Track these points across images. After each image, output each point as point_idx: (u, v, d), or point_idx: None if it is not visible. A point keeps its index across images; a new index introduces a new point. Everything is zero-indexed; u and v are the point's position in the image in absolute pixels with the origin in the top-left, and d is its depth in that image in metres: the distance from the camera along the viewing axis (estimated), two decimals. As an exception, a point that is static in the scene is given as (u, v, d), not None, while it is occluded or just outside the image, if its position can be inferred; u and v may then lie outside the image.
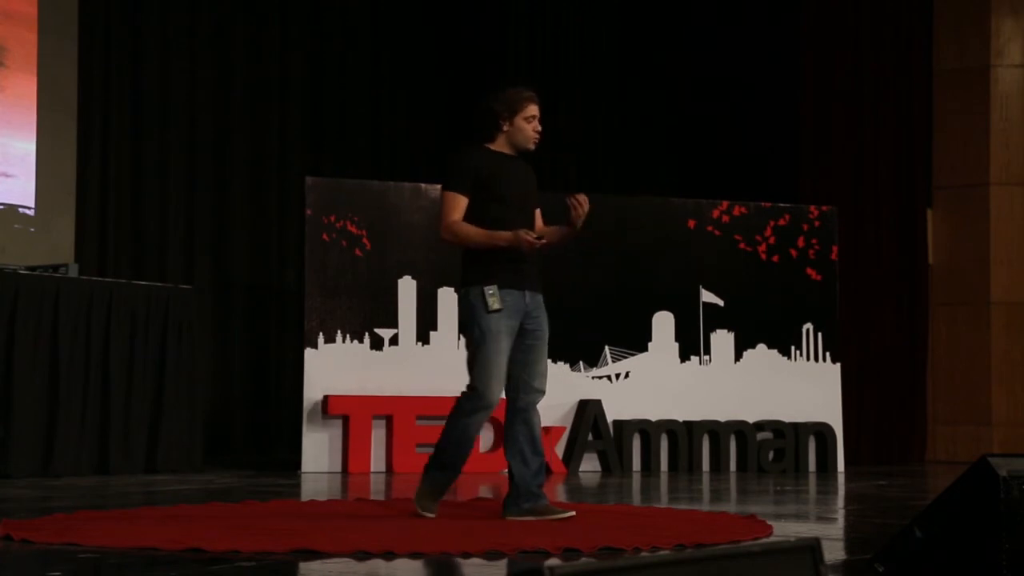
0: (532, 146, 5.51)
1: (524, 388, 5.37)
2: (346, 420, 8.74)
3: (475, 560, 4.26)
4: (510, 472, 5.38)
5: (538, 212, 5.65)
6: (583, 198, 5.37)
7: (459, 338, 8.93)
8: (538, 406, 5.50)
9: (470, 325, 5.31)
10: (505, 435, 5.43)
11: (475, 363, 5.30)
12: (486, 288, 5.26)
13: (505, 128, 5.46)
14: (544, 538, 4.62)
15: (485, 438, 8.70)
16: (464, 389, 5.35)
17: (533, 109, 5.47)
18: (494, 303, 5.23)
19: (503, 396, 5.38)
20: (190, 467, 8.52)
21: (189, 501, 6.22)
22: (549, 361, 9.16)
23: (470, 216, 5.37)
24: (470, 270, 5.36)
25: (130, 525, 5.00)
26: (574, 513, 5.39)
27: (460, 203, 5.36)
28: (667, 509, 6.38)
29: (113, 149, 9.66)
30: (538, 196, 5.66)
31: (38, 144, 9.07)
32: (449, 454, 5.37)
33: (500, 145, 5.50)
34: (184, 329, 8.60)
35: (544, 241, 5.24)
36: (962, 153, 11.31)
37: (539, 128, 5.50)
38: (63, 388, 7.89)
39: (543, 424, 9.01)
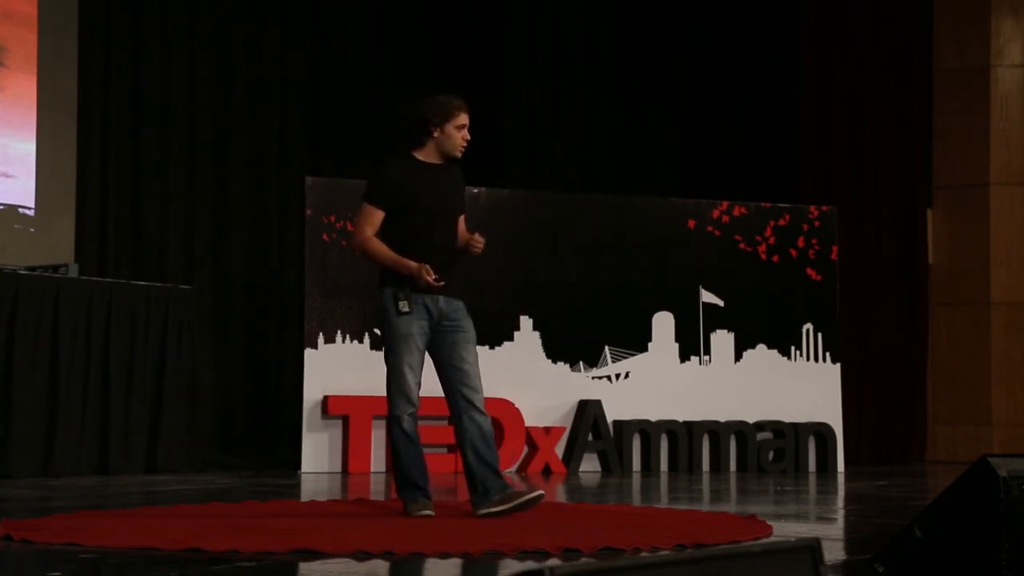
0: (459, 154, 5.59)
1: (461, 388, 5.48)
2: (346, 420, 8.75)
3: (475, 560, 4.26)
4: (468, 469, 5.46)
5: (462, 219, 5.72)
6: (479, 241, 5.55)
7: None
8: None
9: (382, 325, 5.52)
10: (456, 436, 5.54)
11: (388, 361, 5.52)
12: (397, 291, 5.41)
13: (435, 135, 5.52)
14: (544, 538, 4.62)
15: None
16: (385, 393, 5.58)
17: (464, 118, 5.54)
18: (403, 306, 5.40)
19: (421, 393, 5.59)
20: (190, 467, 8.52)
21: (189, 501, 6.22)
22: (549, 361, 9.36)
23: (388, 228, 5.52)
24: (386, 272, 5.50)
25: (130, 525, 5.00)
26: (543, 491, 5.47)
27: (375, 217, 5.51)
28: (667, 509, 6.38)
29: (113, 149, 9.65)
30: (463, 202, 5.76)
31: (38, 144, 9.07)
32: (407, 462, 5.49)
33: (428, 153, 5.56)
34: (184, 329, 8.60)
35: (442, 283, 5.36)
36: (962, 153, 11.31)
37: (468, 137, 5.58)
38: (63, 388, 7.89)
39: (544, 424, 9.12)
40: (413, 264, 5.39)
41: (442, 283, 5.38)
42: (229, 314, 10.28)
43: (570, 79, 12.10)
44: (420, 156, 5.57)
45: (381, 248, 5.49)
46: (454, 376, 5.50)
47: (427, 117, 5.52)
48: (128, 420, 8.24)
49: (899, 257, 11.27)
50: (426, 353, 5.54)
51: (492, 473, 5.42)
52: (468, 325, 5.55)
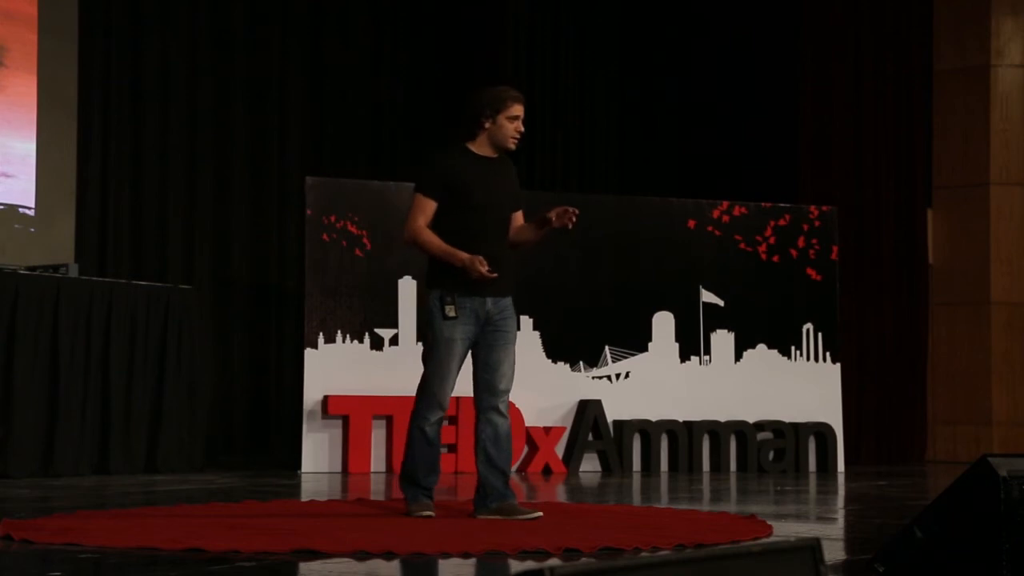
0: (512, 146, 5.44)
1: (488, 389, 5.40)
2: (346, 420, 8.75)
3: (475, 560, 4.26)
4: (478, 471, 5.45)
5: (519, 215, 5.60)
6: (572, 215, 5.35)
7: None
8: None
9: (427, 328, 5.43)
10: (474, 435, 5.49)
11: (427, 365, 5.40)
12: (444, 294, 5.31)
13: (487, 126, 5.39)
14: (544, 538, 4.62)
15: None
16: (416, 391, 5.45)
17: (517, 109, 5.39)
18: (450, 311, 5.29)
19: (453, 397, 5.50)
20: (190, 467, 8.52)
21: (189, 501, 6.22)
22: (549, 361, 9.36)
23: (440, 221, 5.38)
24: (435, 272, 5.40)
25: (130, 525, 5.00)
26: (540, 513, 5.39)
27: (428, 208, 5.38)
28: (667, 509, 6.38)
29: (113, 149, 9.65)
30: (520, 196, 5.62)
31: (38, 144, 9.06)
32: (418, 462, 5.42)
33: (481, 144, 5.43)
34: (184, 329, 8.60)
35: (495, 275, 5.26)
36: (962, 153, 11.32)
37: (521, 128, 5.43)
38: (63, 388, 7.89)
39: (544, 424, 9.12)
40: (465, 255, 5.26)
41: (495, 275, 5.26)
42: (229, 314, 10.28)
43: (570, 79, 12.09)
44: (473, 148, 5.44)
45: (432, 239, 5.35)
46: (482, 376, 5.41)
47: (479, 108, 5.39)
48: (128, 420, 8.24)
49: (899, 257, 11.27)
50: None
51: (497, 478, 5.37)
52: (511, 325, 5.45)
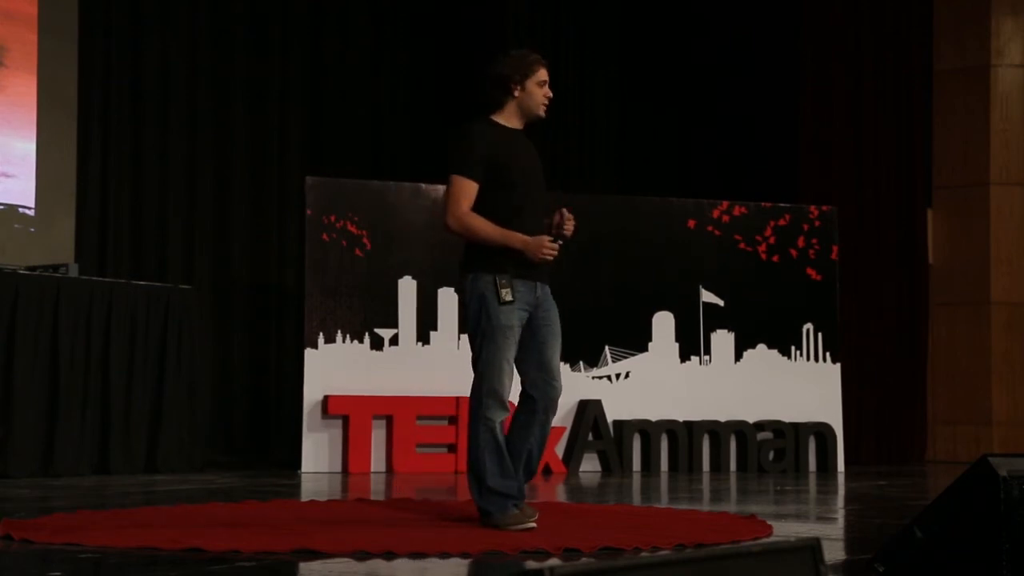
0: (543, 113, 5.05)
1: (543, 387, 4.97)
2: (346, 420, 8.75)
3: (475, 560, 4.26)
4: None
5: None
6: (569, 219, 4.98)
7: (459, 338, 8.96)
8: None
9: (478, 316, 4.87)
10: (515, 430, 5.04)
11: (482, 358, 4.88)
12: (499, 277, 4.84)
13: (516, 94, 5.00)
14: (544, 538, 4.62)
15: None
16: (471, 392, 4.94)
17: (544, 73, 5.03)
18: (506, 295, 4.79)
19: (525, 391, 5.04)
20: (190, 467, 8.52)
21: (189, 501, 6.22)
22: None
23: (481, 204, 4.91)
24: (479, 255, 4.91)
25: (130, 525, 5.00)
26: (537, 513, 5.05)
27: (470, 190, 4.89)
28: (667, 509, 6.38)
29: (113, 149, 9.65)
30: (542, 174, 5.20)
31: (38, 144, 9.07)
32: (491, 475, 4.88)
33: (508, 116, 5.04)
34: (184, 329, 8.60)
35: (555, 255, 4.83)
36: (962, 153, 11.32)
37: (550, 94, 5.05)
38: (63, 388, 7.89)
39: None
40: (527, 237, 4.81)
41: (556, 254, 4.82)
42: (229, 314, 10.28)
43: (570, 79, 12.09)
44: (501, 120, 5.04)
45: (485, 223, 4.85)
46: (540, 377, 4.96)
47: (506, 75, 4.99)
48: (128, 420, 8.24)
49: (899, 257, 11.27)
50: None
51: (523, 480, 5.05)
52: (556, 317, 5.02)
